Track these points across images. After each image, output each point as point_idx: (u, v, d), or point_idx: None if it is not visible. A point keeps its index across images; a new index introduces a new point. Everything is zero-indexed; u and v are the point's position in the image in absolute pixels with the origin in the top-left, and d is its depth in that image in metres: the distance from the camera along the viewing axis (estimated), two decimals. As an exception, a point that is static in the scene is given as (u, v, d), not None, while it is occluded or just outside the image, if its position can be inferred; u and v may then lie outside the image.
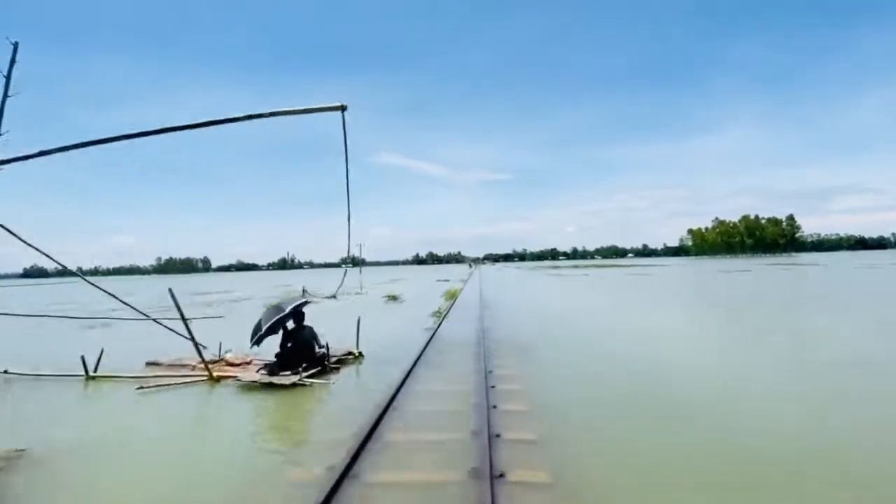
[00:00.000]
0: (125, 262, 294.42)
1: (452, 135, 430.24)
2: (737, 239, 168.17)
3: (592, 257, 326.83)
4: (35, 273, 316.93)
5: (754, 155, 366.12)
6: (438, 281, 47.39)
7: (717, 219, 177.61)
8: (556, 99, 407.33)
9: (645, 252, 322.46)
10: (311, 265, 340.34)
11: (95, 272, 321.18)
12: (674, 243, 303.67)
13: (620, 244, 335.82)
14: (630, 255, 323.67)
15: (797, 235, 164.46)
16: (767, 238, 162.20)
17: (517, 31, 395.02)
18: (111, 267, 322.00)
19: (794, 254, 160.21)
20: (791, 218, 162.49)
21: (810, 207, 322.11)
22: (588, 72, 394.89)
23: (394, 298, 24.54)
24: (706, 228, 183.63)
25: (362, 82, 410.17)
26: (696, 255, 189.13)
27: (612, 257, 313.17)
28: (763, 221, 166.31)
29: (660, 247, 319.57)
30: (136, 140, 6.38)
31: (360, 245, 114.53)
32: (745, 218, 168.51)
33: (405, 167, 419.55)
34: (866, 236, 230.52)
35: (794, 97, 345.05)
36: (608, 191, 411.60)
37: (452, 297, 24.96)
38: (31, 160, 6.29)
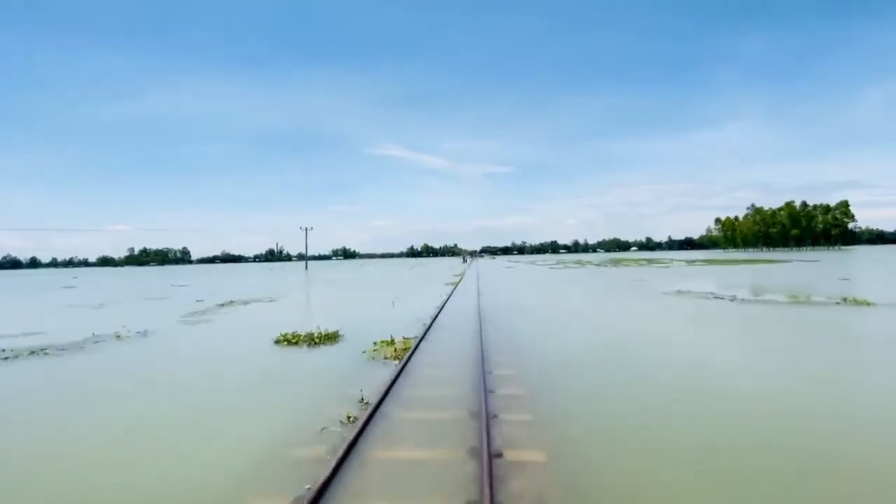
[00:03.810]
0: (121, 252, 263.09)
1: (454, 127, 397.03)
2: (776, 229, 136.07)
3: (594, 251, 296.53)
4: (8, 264, 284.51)
5: (758, 149, 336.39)
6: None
7: (752, 205, 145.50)
8: (559, 92, 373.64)
9: (649, 245, 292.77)
10: (301, 257, 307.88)
11: (70, 263, 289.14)
12: (678, 237, 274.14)
13: (622, 237, 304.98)
14: (633, 248, 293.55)
15: (851, 226, 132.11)
16: (817, 228, 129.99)
17: (520, 23, 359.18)
18: (89, 259, 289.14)
19: (843, 247, 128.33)
20: (845, 204, 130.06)
21: (813, 202, 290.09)
22: (592, 65, 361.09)
23: None
24: (737, 218, 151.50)
25: (363, 74, 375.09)
26: (723, 247, 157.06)
27: (614, 251, 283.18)
28: (810, 208, 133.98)
29: (664, 240, 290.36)
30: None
31: (306, 229, 76.61)
32: (789, 205, 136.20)
33: (407, 159, 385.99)
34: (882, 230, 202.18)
35: (798, 92, 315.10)
36: (610, 184, 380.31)
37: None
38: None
